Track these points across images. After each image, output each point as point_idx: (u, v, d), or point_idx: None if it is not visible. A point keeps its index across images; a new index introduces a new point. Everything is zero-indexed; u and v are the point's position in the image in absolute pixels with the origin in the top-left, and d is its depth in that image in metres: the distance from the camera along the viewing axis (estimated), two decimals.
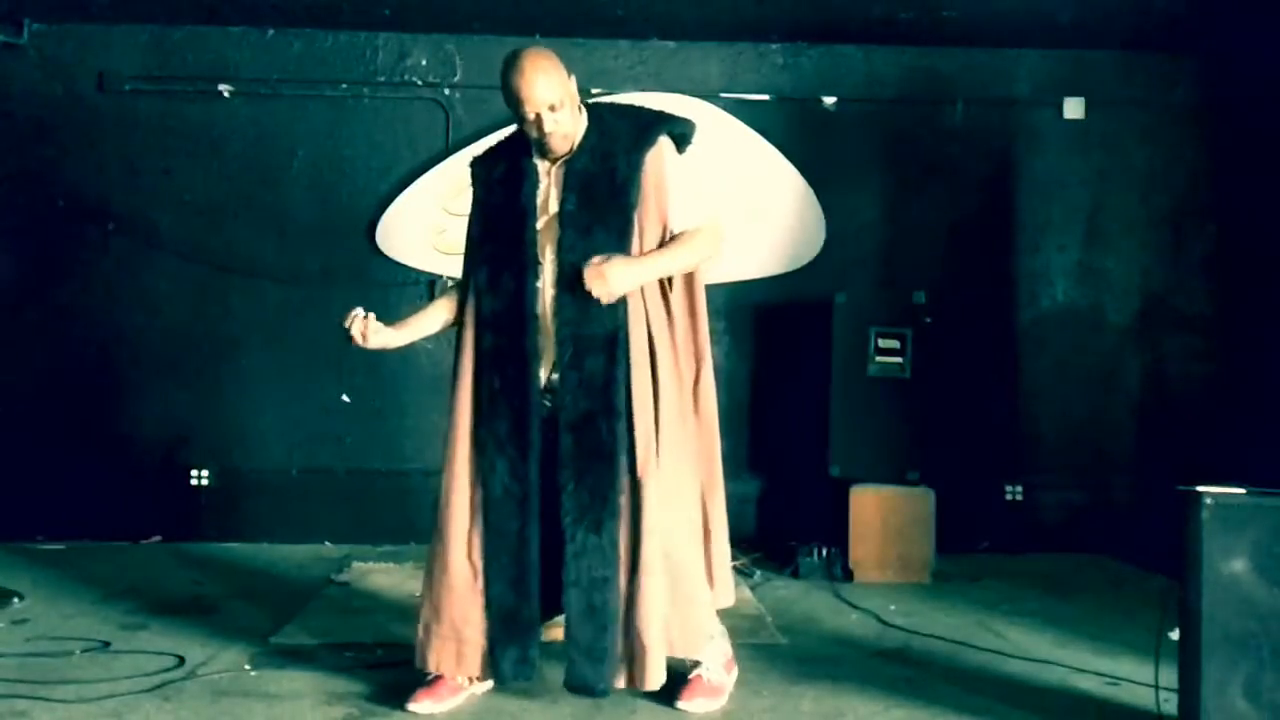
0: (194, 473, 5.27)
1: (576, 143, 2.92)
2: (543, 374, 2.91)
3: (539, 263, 2.91)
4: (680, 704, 2.99)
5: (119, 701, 2.99)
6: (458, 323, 3.04)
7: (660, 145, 2.95)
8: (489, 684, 3.08)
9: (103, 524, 5.12)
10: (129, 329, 5.30)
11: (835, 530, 4.73)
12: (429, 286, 5.33)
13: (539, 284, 2.90)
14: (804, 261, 5.38)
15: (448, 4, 4.95)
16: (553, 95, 2.81)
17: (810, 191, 5.36)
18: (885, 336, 4.80)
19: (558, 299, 2.87)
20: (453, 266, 5.26)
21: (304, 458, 5.31)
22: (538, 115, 2.82)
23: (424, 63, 5.37)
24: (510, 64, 2.83)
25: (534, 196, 2.93)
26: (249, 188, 5.33)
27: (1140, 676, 3.21)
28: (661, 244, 2.94)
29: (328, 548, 5.15)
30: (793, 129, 5.40)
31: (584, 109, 2.98)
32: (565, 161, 2.93)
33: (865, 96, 5.43)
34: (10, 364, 5.25)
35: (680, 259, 2.94)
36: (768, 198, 5.36)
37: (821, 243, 5.37)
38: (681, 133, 3.02)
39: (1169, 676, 2.72)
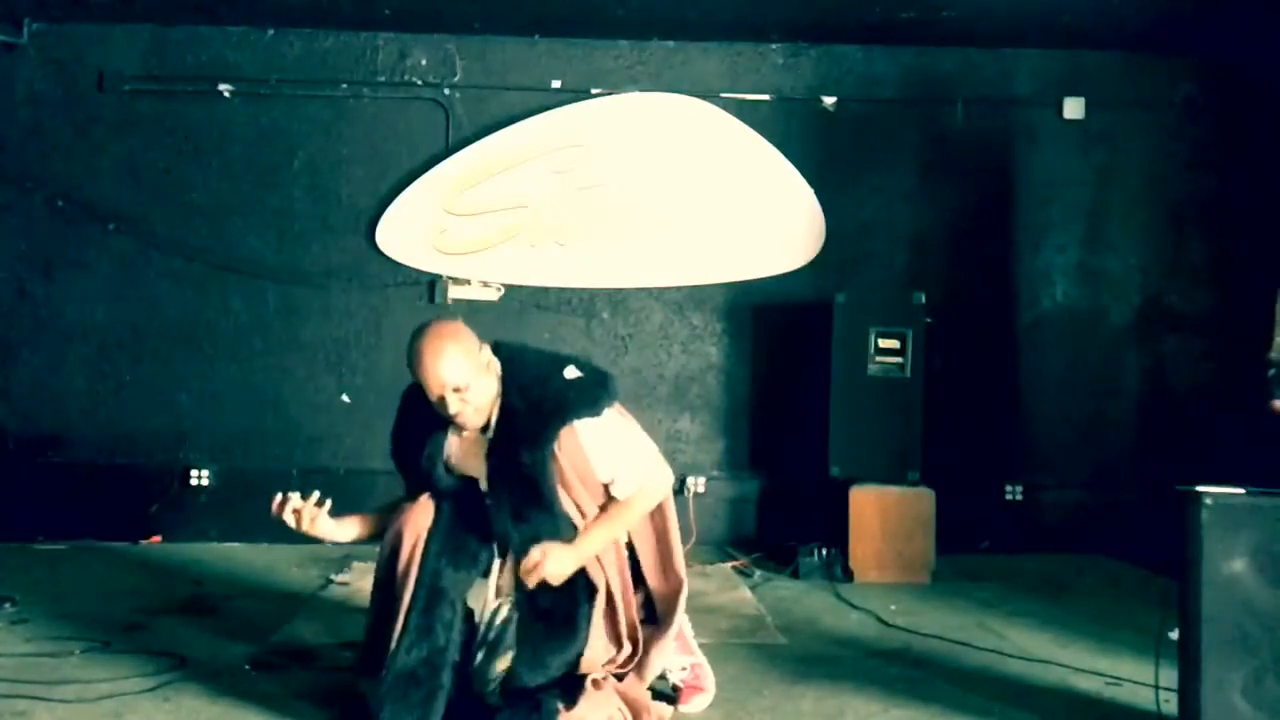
0: (194, 473, 5.27)
1: (493, 423, 2.82)
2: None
3: (447, 506, 2.87)
4: (681, 706, 3.00)
5: (119, 701, 2.99)
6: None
7: (564, 435, 2.80)
8: None
9: (103, 524, 5.12)
10: (129, 329, 5.30)
11: (835, 530, 4.72)
12: (429, 287, 5.33)
13: (445, 522, 2.87)
14: (804, 261, 5.38)
15: (448, 4, 4.95)
16: (457, 377, 2.70)
17: (810, 191, 5.36)
18: (885, 336, 4.80)
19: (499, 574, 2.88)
20: (453, 266, 5.28)
21: (304, 458, 5.31)
22: (441, 398, 2.72)
23: (424, 63, 5.37)
24: (414, 343, 2.73)
25: (437, 460, 2.89)
26: (249, 188, 5.33)
27: (1140, 676, 3.21)
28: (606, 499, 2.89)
29: (328, 548, 5.13)
30: (793, 129, 5.40)
31: (495, 366, 2.84)
32: (487, 444, 2.84)
33: (865, 96, 5.43)
34: (10, 363, 5.25)
35: (615, 532, 2.88)
36: (767, 198, 5.36)
37: (821, 243, 5.38)
38: (593, 405, 2.84)
39: (1169, 676, 2.72)
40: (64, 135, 5.29)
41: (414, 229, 5.30)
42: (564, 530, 2.82)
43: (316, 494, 2.88)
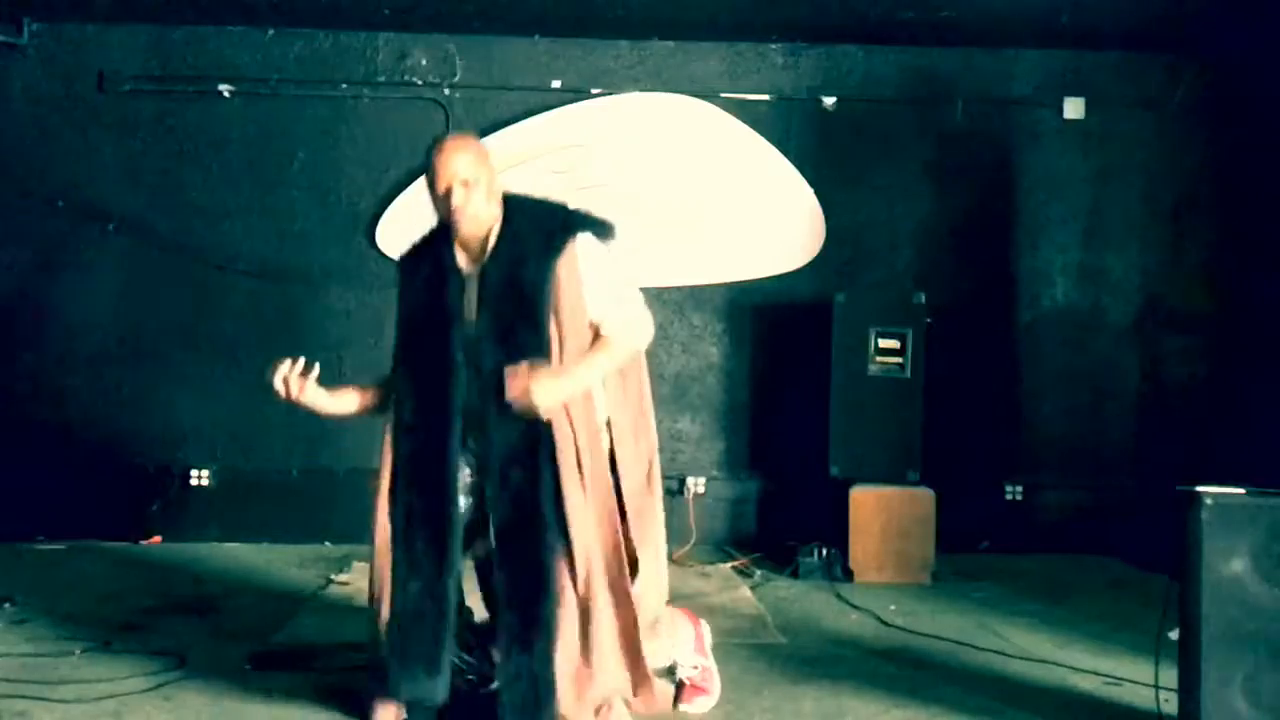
0: (194, 473, 5.27)
1: (491, 242, 2.86)
2: (464, 476, 2.84)
3: (462, 369, 2.83)
4: (682, 705, 2.99)
5: (119, 701, 2.99)
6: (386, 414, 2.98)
7: (572, 248, 2.84)
8: None
9: (103, 524, 5.12)
10: (129, 329, 5.30)
11: (835, 530, 4.72)
12: None
13: (459, 390, 2.82)
14: (804, 261, 5.38)
15: (448, 4, 4.95)
16: (466, 171, 2.76)
17: (810, 191, 5.36)
18: (885, 336, 4.80)
19: (481, 400, 2.80)
20: None
21: (304, 458, 5.31)
22: (448, 189, 2.77)
23: (424, 63, 5.37)
24: (434, 142, 2.85)
25: (459, 301, 2.87)
26: (249, 188, 5.33)
27: (1140, 676, 3.20)
28: (595, 337, 2.87)
29: (328, 548, 5.14)
30: (793, 129, 5.40)
31: (503, 201, 2.89)
32: (481, 267, 2.87)
33: (865, 96, 5.43)
34: (10, 364, 5.25)
35: (603, 367, 2.87)
36: (767, 198, 5.36)
37: (821, 243, 5.38)
38: (594, 234, 2.91)
39: (1169, 676, 2.72)
40: (64, 135, 5.29)
41: (414, 229, 5.26)
42: (546, 359, 2.79)
43: (303, 360, 2.87)
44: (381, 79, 5.37)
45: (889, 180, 5.45)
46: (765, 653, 3.57)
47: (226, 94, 5.31)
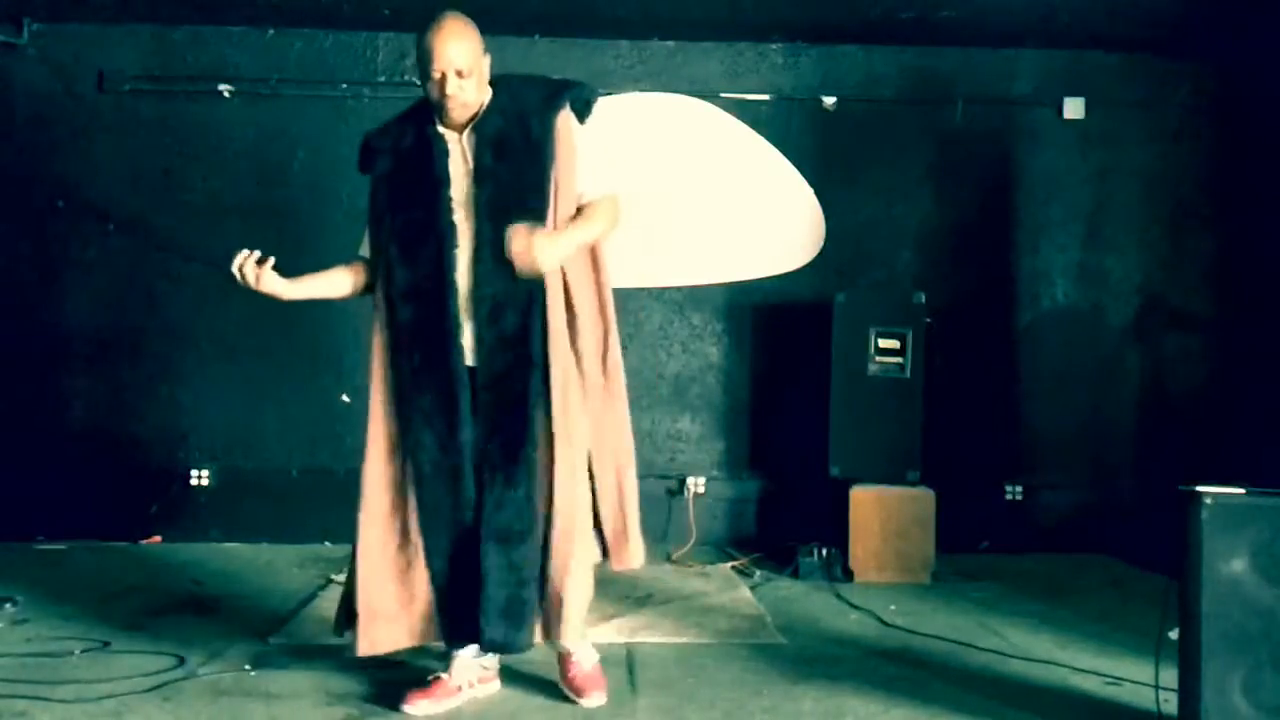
0: (194, 473, 5.27)
1: (481, 111, 2.93)
2: (466, 342, 2.87)
3: (455, 229, 2.88)
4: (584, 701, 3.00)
5: (119, 701, 2.99)
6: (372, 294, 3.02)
7: (568, 110, 2.96)
8: (492, 687, 3.08)
9: (103, 524, 5.12)
10: (129, 329, 5.29)
11: (835, 530, 4.72)
12: None
13: (456, 251, 2.87)
14: (804, 261, 5.38)
15: (448, 4, 4.93)
16: (462, 60, 2.87)
17: (810, 191, 5.36)
18: (885, 336, 4.80)
19: (475, 257, 2.84)
20: None
21: (304, 458, 5.31)
22: (443, 75, 2.87)
23: None
24: (430, 22, 2.91)
25: (446, 163, 2.93)
26: (249, 188, 5.33)
27: (1140, 676, 3.20)
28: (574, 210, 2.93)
29: (328, 548, 5.14)
30: (793, 129, 5.40)
31: (491, 84, 3.00)
32: (474, 126, 2.92)
33: (865, 96, 5.43)
34: (10, 363, 5.25)
35: (597, 229, 2.93)
36: (767, 198, 5.36)
37: (821, 243, 5.37)
38: (586, 100, 3.02)
39: (1169, 676, 2.72)
40: (64, 135, 5.29)
41: None
42: (544, 218, 2.85)
43: (259, 252, 2.99)
44: (381, 79, 5.37)
45: (889, 180, 5.45)
46: (765, 653, 3.57)
47: (226, 94, 5.31)
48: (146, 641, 3.56)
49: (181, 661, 3.33)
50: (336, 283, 3.12)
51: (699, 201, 5.34)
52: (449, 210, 2.89)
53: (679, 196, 5.34)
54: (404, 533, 2.91)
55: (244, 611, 3.96)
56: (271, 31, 5.33)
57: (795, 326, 5.33)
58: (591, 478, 2.96)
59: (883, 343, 4.80)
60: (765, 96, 5.42)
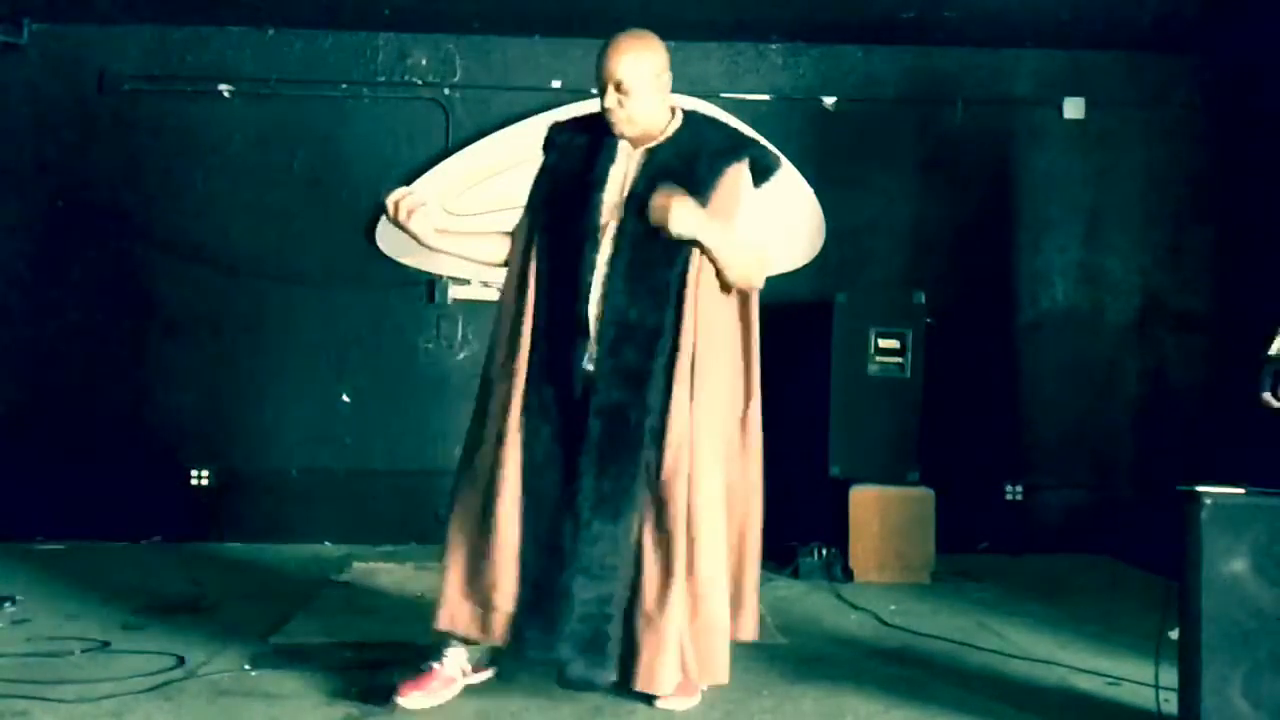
0: (194, 473, 5.26)
1: (662, 139, 2.94)
2: (591, 347, 2.86)
3: (599, 234, 2.87)
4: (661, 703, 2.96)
5: (119, 701, 2.98)
6: (508, 271, 3.02)
7: (742, 165, 2.95)
8: (486, 674, 3.07)
9: (103, 524, 5.12)
10: (129, 329, 5.30)
11: (835, 530, 4.73)
12: (428, 286, 5.33)
13: (596, 256, 2.86)
14: (804, 261, 5.38)
15: (448, 4, 4.95)
16: (624, 74, 2.84)
17: (810, 191, 5.36)
18: (885, 336, 4.80)
19: (609, 280, 2.83)
20: (452, 266, 5.27)
21: (304, 458, 5.31)
22: (604, 88, 2.87)
23: (424, 63, 5.37)
24: (613, 35, 2.95)
25: (607, 169, 2.92)
26: (249, 188, 5.33)
27: (1140, 676, 3.20)
28: None
29: (328, 548, 5.15)
30: (793, 129, 5.40)
31: (679, 112, 3.00)
32: (650, 150, 2.93)
33: (865, 96, 5.43)
34: (10, 364, 5.25)
35: (734, 245, 2.89)
36: (767, 198, 5.35)
37: (821, 243, 5.37)
38: (767, 165, 3.02)
39: (1169, 676, 2.71)
40: (64, 135, 5.29)
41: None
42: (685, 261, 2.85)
43: (418, 193, 2.93)
44: (381, 79, 5.37)
45: (889, 180, 5.45)
46: (765, 653, 3.56)
47: (226, 94, 5.31)
48: (146, 641, 3.56)
49: (181, 661, 3.33)
50: (483, 246, 3.11)
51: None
52: (598, 213, 2.88)
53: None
54: (512, 519, 2.85)
55: (244, 611, 3.96)
56: (271, 31, 5.33)
57: (795, 326, 5.32)
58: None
59: (883, 343, 4.80)
60: (765, 96, 5.41)
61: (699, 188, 2.86)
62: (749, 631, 3.08)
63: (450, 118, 5.35)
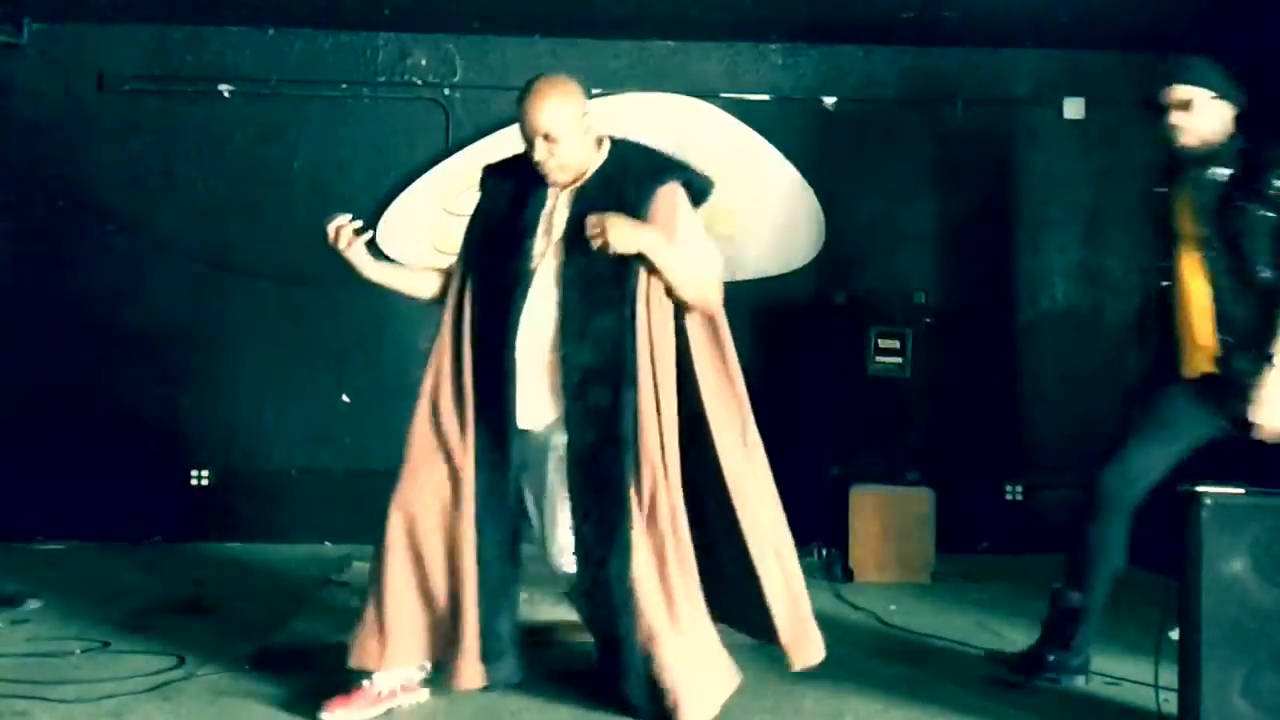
0: (194, 473, 5.27)
1: (589, 174, 2.90)
2: (520, 398, 2.83)
3: (528, 279, 2.84)
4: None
5: (119, 701, 2.99)
6: (443, 305, 3.01)
7: (674, 186, 2.90)
8: (420, 695, 3.00)
9: (103, 524, 5.12)
10: (129, 329, 5.29)
11: (835, 530, 4.73)
12: None
13: (523, 303, 2.83)
14: (803, 261, 5.38)
15: (448, 4, 4.95)
16: (549, 125, 2.77)
17: (809, 191, 5.36)
18: (885, 336, 4.80)
19: (562, 332, 2.81)
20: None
21: (304, 458, 5.31)
22: (531, 141, 2.80)
23: (424, 63, 5.37)
24: (526, 86, 2.83)
25: (538, 214, 2.89)
26: (249, 188, 5.33)
27: (1140, 676, 3.20)
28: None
29: (328, 548, 5.15)
30: (793, 129, 5.40)
31: (607, 142, 2.95)
32: (577, 189, 2.90)
33: (865, 96, 5.43)
34: (10, 364, 5.25)
35: (678, 261, 2.85)
36: (767, 197, 5.36)
37: (821, 243, 5.37)
38: (700, 187, 2.97)
39: (1169, 676, 2.72)
40: (64, 135, 5.29)
41: (414, 229, 5.30)
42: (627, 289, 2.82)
43: (361, 223, 3.00)
44: (381, 79, 5.37)
45: (889, 180, 5.45)
46: (765, 653, 3.55)
47: (226, 94, 5.31)
48: (146, 641, 3.56)
49: (181, 661, 3.33)
50: (419, 283, 3.11)
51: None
52: (528, 259, 2.86)
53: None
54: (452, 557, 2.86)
55: (244, 611, 3.96)
56: (271, 31, 5.33)
57: (795, 326, 5.33)
58: (753, 568, 2.95)
59: (883, 343, 4.80)
60: (765, 96, 5.41)
61: (630, 211, 2.82)
62: (818, 650, 3.04)
63: (450, 118, 5.35)
